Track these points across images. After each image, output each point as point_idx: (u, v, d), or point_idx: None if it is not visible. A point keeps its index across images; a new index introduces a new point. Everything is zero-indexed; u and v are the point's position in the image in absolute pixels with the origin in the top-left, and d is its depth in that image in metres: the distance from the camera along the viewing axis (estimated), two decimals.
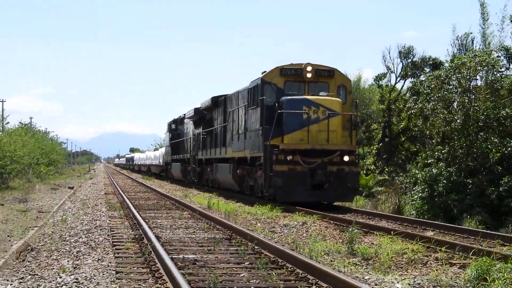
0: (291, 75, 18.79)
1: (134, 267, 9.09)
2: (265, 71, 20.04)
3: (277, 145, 17.37)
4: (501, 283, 7.26)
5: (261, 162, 18.90)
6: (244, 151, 21.09)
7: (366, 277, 8.19)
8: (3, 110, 41.85)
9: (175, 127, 38.82)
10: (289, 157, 16.66)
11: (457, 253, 9.87)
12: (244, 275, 8.27)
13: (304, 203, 16.82)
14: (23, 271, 8.70)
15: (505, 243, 10.93)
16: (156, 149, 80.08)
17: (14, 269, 8.90)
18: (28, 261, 9.56)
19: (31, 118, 68.99)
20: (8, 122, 40.91)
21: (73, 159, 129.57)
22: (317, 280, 7.65)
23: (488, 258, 8.08)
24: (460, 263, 9.12)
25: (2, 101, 59.03)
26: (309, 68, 18.34)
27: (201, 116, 28.96)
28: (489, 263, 7.74)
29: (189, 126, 33.84)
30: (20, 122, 50.59)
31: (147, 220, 15.32)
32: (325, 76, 18.84)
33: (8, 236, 12.66)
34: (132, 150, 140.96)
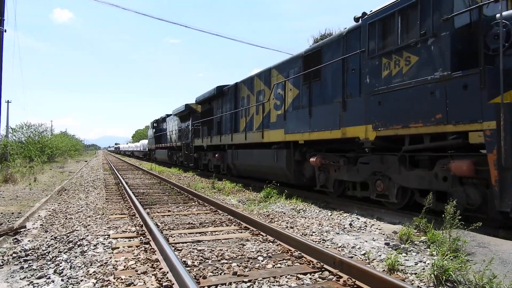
0: None
1: (115, 196, 9.81)
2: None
3: None
4: (274, 199, 8.69)
5: (421, 146, 5.72)
6: (340, 129, 7.38)
7: (219, 197, 9.47)
8: (52, 125, 48.16)
9: (157, 125, 32.37)
10: None
11: (256, 187, 11.05)
12: (165, 198, 9.35)
13: None
14: (60, 199, 9.48)
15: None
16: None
17: (56, 199, 9.64)
18: (63, 195, 10.25)
19: (66, 129, 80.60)
20: (54, 131, 47.60)
21: (87, 148, 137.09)
22: (197, 199, 8.96)
23: (270, 188, 9.24)
24: (257, 191, 10.22)
25: (51, 121, 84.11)
26: None
27: (191, 110, 19.82)
28: (269, 191, 9.14)
29: (172, 122, 25.59)
30: (60, 131, 59.17)
31: (121, 175, 16.61)
32: None
33: (53, 184, 13.49)
34: (116, 144, 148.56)
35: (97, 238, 5.14)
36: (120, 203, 8.55)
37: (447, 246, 4.14)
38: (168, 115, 28.08)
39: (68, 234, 5.36)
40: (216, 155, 15.06)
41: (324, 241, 5.05)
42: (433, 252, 4.31)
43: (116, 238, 5.19)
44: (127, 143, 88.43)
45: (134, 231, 5.62)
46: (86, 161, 38.42)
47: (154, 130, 33.32)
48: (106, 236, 5.25)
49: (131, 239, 5.18)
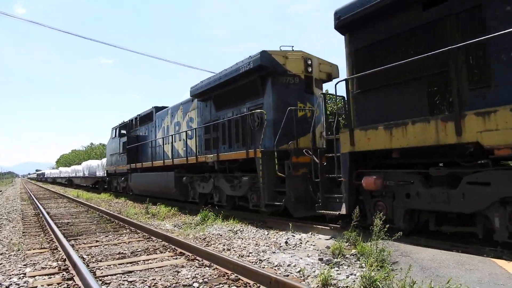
0: None
1: (34, 228, 9.05)
2: None
3: None
4: (211, 221, 8.57)
5: None
6: None
7: (154, 223, 9.19)
8: None
9: (127, 131, 18.01)
10: None
11: (192, 211, 10.61)
12: (93, 227, 8.80)
13: None
14: None
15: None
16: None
17: None
18: None
19: None
20: None
21: (3, 176, 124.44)
22: (129, 226, 8.56)
23: (206, 211, 9.15)
24: (195, 215, 9.87)
25: None
26: None
27: (274, 68, 8.05)
28: (206, 213, 9.02)
29: (175, 118, 13.27)
30: None
31: (42, 204, 15.28)
32: None
33: None
34: (38, 170, 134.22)
35: (10, 278, 4.64)
36: (39, 236, 7.92)
37: (374, 257, 4.41)
38: (158, 108, 15.58)
39: None
40: None
41: (260, 261, 5.08)
42: (362, 264, 4.56)
43: (34, 277, 4.73)
44: (57, 169, 74.33)
45: (55, 267, 5.17)
46: (1, 191, 34.48)
47: (126, 139, 17.65)
48: (22, 275, 4.76)
49: (52, 276, 4.75)
